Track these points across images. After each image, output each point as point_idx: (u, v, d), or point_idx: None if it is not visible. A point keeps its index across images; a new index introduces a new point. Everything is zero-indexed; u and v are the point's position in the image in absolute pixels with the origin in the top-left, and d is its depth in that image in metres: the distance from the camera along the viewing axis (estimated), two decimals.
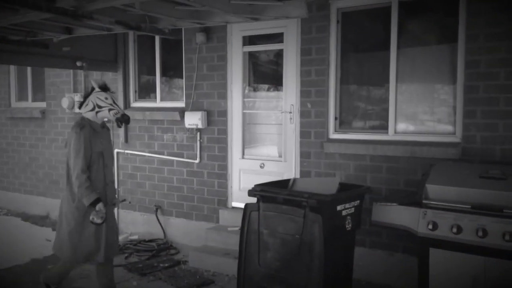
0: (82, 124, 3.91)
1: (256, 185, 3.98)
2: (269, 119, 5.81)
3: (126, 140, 6.81)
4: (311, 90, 5.25)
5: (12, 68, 8.31)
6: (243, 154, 5.92)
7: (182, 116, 6.16)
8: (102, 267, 4.11)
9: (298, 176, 5.37)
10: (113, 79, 6.90)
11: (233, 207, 5.96)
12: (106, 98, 3.97)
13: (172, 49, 6.43)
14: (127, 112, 6.66)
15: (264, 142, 5.90)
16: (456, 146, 4.50)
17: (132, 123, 6.73)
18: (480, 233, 3.29)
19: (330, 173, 5.17)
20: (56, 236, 4.11)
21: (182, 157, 6.29)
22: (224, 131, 5.96)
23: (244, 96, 5.90)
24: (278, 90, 5.71)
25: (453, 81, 4.62)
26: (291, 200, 3.68)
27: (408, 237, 4.37)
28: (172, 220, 6.43)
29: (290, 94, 5.48)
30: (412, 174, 4.69)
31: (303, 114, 5.33)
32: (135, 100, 6.86)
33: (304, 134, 5.34)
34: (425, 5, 4.78)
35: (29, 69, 8.09)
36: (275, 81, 5.77)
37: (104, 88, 4.05)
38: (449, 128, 4.68)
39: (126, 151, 6.81)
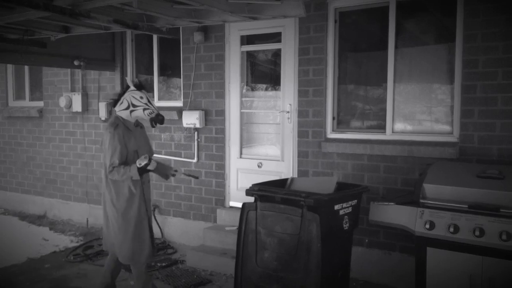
0: (116, 123, 3.88)
1: (254, 185, 3.98)
2: (267, 118, 5.81)
3: None
4: (309, 89, 5.26)
5: (10, 67, 8.29)
6: (241, 153, 5.92)
7: (180, 116, 6.16)
8: (143, 268, 4.10)
9: (296, 175, 5.37)
10: (111, 78, 6.89)
11: (231, 207, 5.96)
12: (141, 97, 3.94)
13: (170, 48, 6.42)
14: None
15: (262, 142, 5.90)
16: (453, 145, 4.51)
17: None
18: (477, 233, 3.30)
19: (327, 172, 5.17)
20: (104, 234, 4.10)
21: (180, 156, 6.28)
22: (222, 131, 5.95)
23: (242, 95, 5.90)
24: (276, 89, 5.71)
25: (451, 81, 4.63)
26: (289, 199, 3.67)
27: (405, 237, 4.39)
28: (170, 220, 6.43)
29: (288, 93, 5.48)
30: (409, 174, 4.70)
31: (301, 113, 5.33)
32: None
33: (302, 134, 5.34)
34: (422, 5, 4.78)
35: (26, 68, 8.07)
36: (273, 80, 5.77)
37: (139, 87, 4.01)
38: (447, 127, 4.69)
39: None
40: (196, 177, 4.59)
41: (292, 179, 4.26)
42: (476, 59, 4.35)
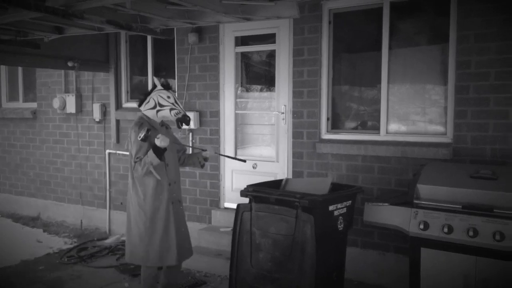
0: (141, 122, 3.81)
1: (249, 186, 3.97)
2: (262, 119, 5.81)
3: (118, 141, 6.78)
4: (303, 90, 5.26)
5: (3, 68, 8.24)
6: (235, 154, 5.91)
7: None
8: (174, 269, 4.03)
9: (290, 176, 5.37)
10: (105, 79, 6.87)
11: (226, 208, 5.95)
12: (169, 97, 3.86)
13: (164, 49, 6.41)
14: (118, 113, 6.71)
15: (257, 143, 5.90)
16: (447, 146, 4.52)
17: (123, 123, 6.71)
18: (471, 233, 3.31)
19: (322, 173, 5.18)
20: (127, 241, 3.95)
21: None
22: (216, 132, 5.94)
23: (236, 96, 5.89)
24: (270, 90, 5.71)
25: (444, 82, 4.65)
26: (283, 200, 3.67)
27: (399, 237, 4.40)
28: None
29: (282, 94, 5.48)
30: (403, 174, 4.71)
31: (296, 114, 5.33)
32: (127, 101, 6.82)
33: (296, 135, 5.35)
34: (416, 6, 4.80)
35: (20, 69, 8.03)
36: (268, 81, 5.77)
37: (167, 86, 3.94)
38: (440, 128, 4.70)
39: (118, 152, 6.77)
40: (244, 161, 4.41)
41: (287, 180, 4.26)
42: (469, 60, 4.37)
